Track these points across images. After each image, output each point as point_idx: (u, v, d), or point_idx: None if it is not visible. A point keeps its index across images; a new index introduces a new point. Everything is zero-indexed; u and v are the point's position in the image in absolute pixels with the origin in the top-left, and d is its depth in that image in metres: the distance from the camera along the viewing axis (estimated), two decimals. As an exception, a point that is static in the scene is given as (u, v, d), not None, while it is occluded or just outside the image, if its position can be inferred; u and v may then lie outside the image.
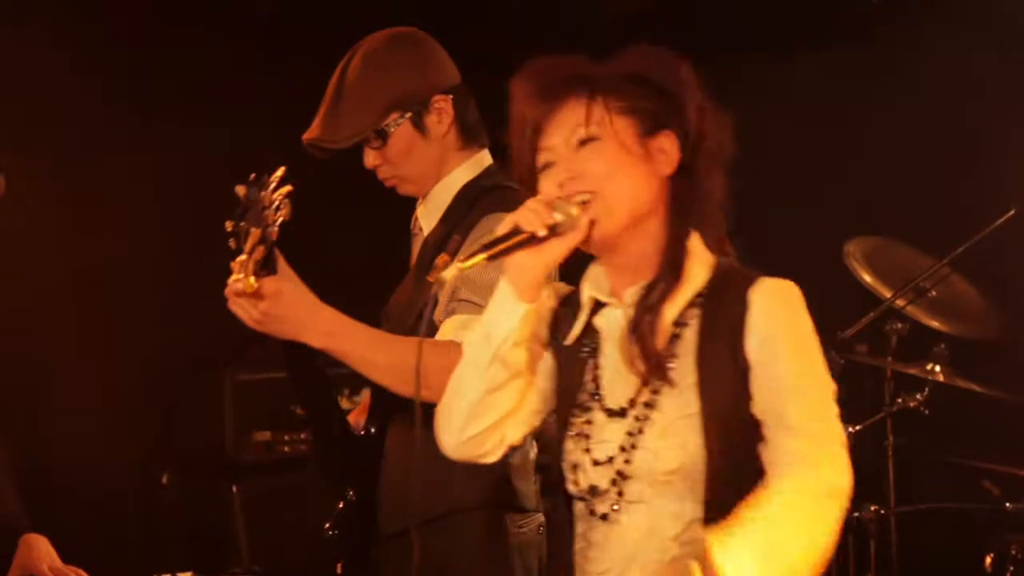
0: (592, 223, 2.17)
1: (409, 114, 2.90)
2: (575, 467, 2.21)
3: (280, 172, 2.57)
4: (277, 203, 2.55)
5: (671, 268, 2.20)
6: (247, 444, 4.94)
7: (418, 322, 2.78)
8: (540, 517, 2.92)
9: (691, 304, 2.20)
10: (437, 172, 2.96)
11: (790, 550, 2.05)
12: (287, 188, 2.58)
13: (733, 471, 2.12)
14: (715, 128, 2.24)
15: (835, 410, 2.16)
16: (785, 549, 2.04)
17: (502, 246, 2.17)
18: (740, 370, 2.14)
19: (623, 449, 2.16)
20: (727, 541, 2.00)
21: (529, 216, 2.17)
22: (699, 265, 2.22)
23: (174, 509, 4.99)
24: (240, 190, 2.55)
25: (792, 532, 2.05)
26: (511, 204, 2.79)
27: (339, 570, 2.85)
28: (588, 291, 2.27)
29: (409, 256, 3.08)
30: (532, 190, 2.26)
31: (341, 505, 2.86)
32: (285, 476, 4.75)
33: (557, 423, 2.27)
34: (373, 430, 2.90)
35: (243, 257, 2.53)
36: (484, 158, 3.00)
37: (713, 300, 2.19)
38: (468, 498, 2.82)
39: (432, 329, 2.76)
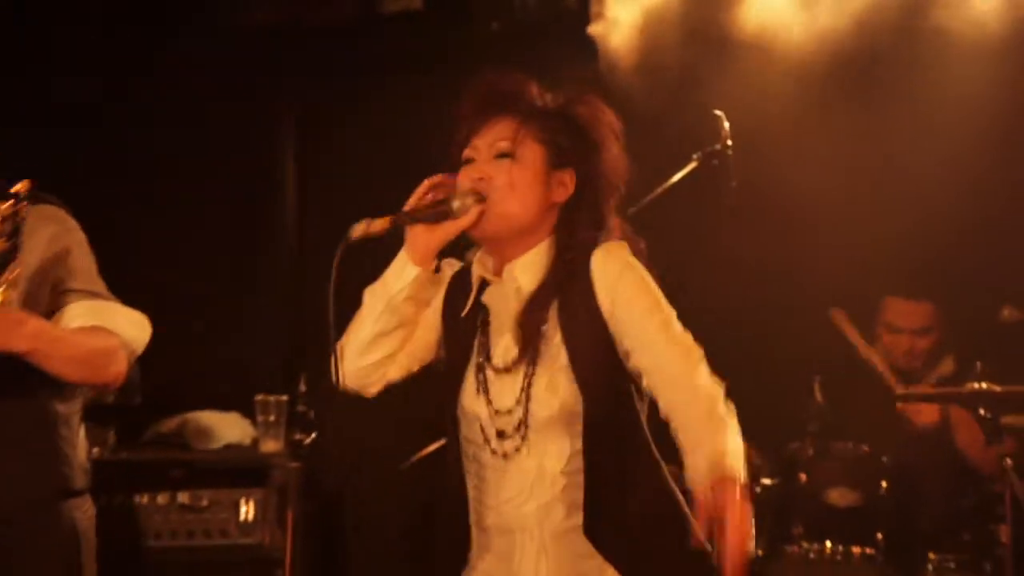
0: (481, 214, 2.61)
1: None
2: (476, 416, 2.66)
3: (23, 185, 2.74)
4: (19, 219, 2.73)
5: (558, 277, 2.64)
6: None
7: None
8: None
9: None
10: None
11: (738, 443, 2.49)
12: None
13: (604, 411, 2.60)
14: (615, 172, 2.68)
15: (682, 328, 2.60)
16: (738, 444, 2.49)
17: (412, 206, 2.63)
18: (597, 322, 2.59)
19: (519, 401, 2.61)
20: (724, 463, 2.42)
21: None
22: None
23: None
24: (7, 208, 2.72)
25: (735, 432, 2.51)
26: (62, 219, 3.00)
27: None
28: (477, 271, 2.72)
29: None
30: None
31: None
32: None
33: (449, 380, 2.70)
34: None
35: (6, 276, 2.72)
36: None
37: (572, 271, 2.63)
38: (29, 493, 2.97)
39: None
